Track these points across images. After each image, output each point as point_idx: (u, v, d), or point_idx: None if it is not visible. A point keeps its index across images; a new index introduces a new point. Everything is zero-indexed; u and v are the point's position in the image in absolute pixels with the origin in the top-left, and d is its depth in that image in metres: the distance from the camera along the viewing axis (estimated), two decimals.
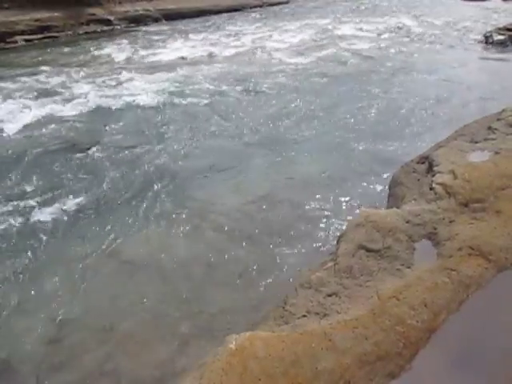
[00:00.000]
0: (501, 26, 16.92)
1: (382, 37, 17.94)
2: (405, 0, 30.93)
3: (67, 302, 4.29)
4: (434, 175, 3.96)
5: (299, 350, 2.29)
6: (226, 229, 5.31)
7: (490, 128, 4.77)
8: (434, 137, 6.43)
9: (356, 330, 2.39)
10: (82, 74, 13.06)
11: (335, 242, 3.56)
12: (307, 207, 5.64)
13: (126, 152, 7.46)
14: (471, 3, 29.68)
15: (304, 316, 2.65)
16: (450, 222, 3.23)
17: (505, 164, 3.80)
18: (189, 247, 5.01)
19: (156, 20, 24.84)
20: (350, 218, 4.26)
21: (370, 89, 10.77)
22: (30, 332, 3.97)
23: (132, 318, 4.05)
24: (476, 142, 4.54)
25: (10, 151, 7.62)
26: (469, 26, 19.88)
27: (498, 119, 4.94)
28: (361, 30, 19.71)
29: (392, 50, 15.26)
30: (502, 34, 15.72)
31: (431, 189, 3.72)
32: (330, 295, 2.77)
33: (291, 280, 4.11)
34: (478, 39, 16.52)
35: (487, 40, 15.87)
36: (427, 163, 4.44)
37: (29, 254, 5.00)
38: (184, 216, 5.60)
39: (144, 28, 22.62)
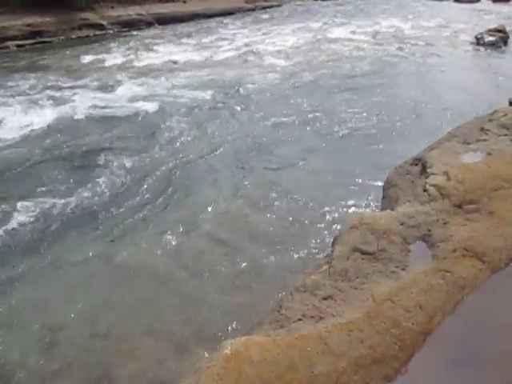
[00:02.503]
0: (491, 27, 17.08)
1: (375, 39, 18.05)
2: (396, 3, 31.11)
3: (60, 308, 4.25)
4: (427, 177, 3.97)
5: (295, 354, 2.27)
6: (220, 233, 5.30)
7: (482, 129, 4.79)
8: (427, 138, 6.45)
9: (351, 333, 2.38)
10: (74, 79, 13.02)
11: (330, 245, 3.55)
12: (301, 210, 5.64)
13: (118, 157, 7.43)
14: (462, 5, 30.00)
15: (299, 320, 2.64)
16: (444, 223, 3.24)
17: (497, 165, 3.81)
18: (183, 252, 4.99)
19: (149, 24, 24.83)
20: (344, 220, 4.26)
21: (362, 91, 10.81)
22: (22, 339, 3.94)
23: (126, 324, 4.02)
24: (469, 143, 4.55)
25: (2, 156, 7.57)
26: (460, 27, 20.05)
27: (490, 120, 4.96)
28: (353, 32, 19.81)
29: (385, 53, 15.33)
30: (493, 36, 15.88)
31: (425, 190, 3.73)
32: (325, 298, 2.76)
33: (286, 284, 4.10)
34: (469, 40, 16.65)
35: (478, 41, 16.02)
36: (421, 165, 4.45)
37: (21, 259, 4.96)
38: (178, 221, 5.58)
39: (137, 32, 22.61)
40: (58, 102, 10.58)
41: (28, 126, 8.94)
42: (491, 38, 15.73)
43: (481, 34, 16.35)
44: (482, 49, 15.43)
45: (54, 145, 8.06)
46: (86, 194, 6.25)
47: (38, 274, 4.75)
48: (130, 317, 4.12)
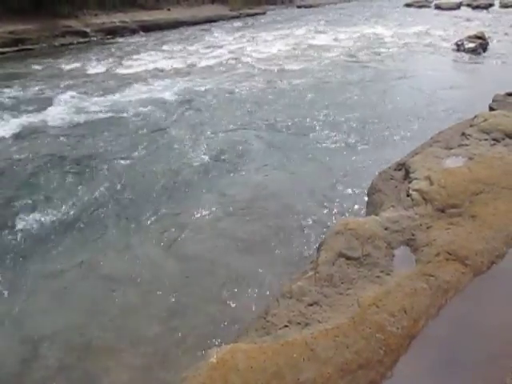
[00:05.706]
0: (471, 34, 17.41)
1: (357, 46, 18.25)
2: (377, 10, 31.57)
3: (43, 318, 4.18)
4: (410, 182, 4.02)
5: (281, 361, 2.27)
6: (206, 240, 5.28)
7: (463, 134, 4.87)
8: (410, 144, 6.53)
9: (337, 338, 2.38)
10: (57, 86, 12.90)
11: (316, 251, 3.56)
12: (287, 217, 5.64)
13: (104, 165, 7.36)
14: (443, 12, 30.55)
15: (286, 326, 2.63)
16: (428, 227, 3.28)
17: (478, 169, 3.88)
18: (168, 260, 4.95)
19: (133, 32, 24.77)
20: (329, 226, 4.28)
21: (344, 98, 10.91)
22: (4, 350, 3.85)
23: (111, 334, 3.96)
24: (450, 148, 4.63)
25: None
26: (441, 34, 20.39)
27: (471, 125, 5.05)
28: (336, 39, 20.02)
29: (367, 60, 15.53)
30: (473, 42, 16.18)
31: (408, 195, 3.77)
32: (311, 304, 2.76)
33: (273, 290, 4.10)
34: (450, 47, 16.95)
35: (459, 48, 16.31)
36: (404, 170, 4.51)
37: (2, 269, 4.87)
38: (164, 228, 5.55)
39: (121, 40, 22.53)
40: (40, 109, 10.46)
41: (10, 133, 8.82)
42: (471, 45, 16.02)
43: (461, 40, 16.65)
44: (462, 55, 15.71)
45: (35, 152, 7.95)
46: (67, 202, 6.17)
47: (16, 285, 4.66)
48: (115, 326, 4.06)
